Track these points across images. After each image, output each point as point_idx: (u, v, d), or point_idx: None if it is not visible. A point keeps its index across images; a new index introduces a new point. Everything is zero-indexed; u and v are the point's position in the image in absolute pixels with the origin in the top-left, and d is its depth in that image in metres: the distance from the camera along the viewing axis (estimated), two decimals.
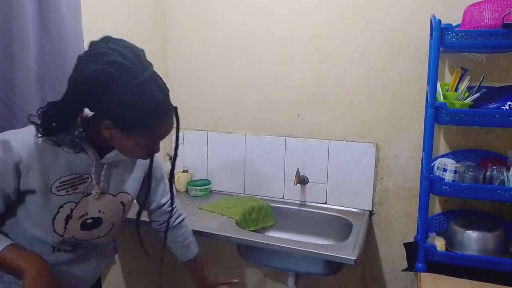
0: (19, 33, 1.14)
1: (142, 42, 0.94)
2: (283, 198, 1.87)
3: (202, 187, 1.90)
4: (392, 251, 1.73)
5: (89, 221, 1.01)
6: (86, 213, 0.99)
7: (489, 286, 1.27)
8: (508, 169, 1.32)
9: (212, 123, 1.94)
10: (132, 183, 1.10)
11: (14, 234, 0.96)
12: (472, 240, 1.36)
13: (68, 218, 0.97)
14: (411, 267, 1.43)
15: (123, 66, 0.84)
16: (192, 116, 1.93)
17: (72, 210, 0.97)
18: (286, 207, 1.83)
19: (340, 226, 1.68)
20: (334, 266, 1.47)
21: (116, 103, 0.86)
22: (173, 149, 1.07)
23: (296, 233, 1.78)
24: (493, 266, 1.30)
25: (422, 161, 1.51)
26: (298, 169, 1.76)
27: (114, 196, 1.05)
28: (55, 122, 0.90)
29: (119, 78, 0.84)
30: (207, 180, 1.96)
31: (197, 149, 1.97)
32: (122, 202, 1.07)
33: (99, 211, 1.02)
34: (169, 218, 1.22)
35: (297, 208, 1.82)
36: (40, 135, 0.91)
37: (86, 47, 0.92)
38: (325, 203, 1.80)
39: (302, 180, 1.79)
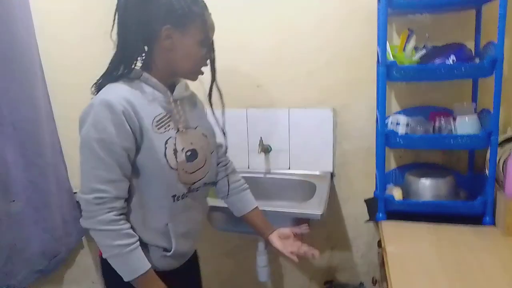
0: None
1: None
2: (248, 168, 1.92)
3: None
4: (355, 209, 1.83)
5: (188, 153, 1.06)
6: (184, 147, 1.05)
7: (443, 227, 1.38)
8: (454, 120, 1.43)
9: None
10: (200, 118, 1.17)
11: (140, 199, 1.02)
12: (426, 187, 1.47)
13: (175, 152, 1.02)
14: (372, 218, 1.52)
15: None
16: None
17: (174, 144, 1.02)
18: (251, 176, 1.87)
19: (304, 189, 1.75)
20: (300, 223, 1.54)
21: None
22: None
23: (263, 200, 1.82)
24: (445, 209, 1.42)
25: (377, 120, 1.60)
26: (261, 138, 1.81)
27: (195, 129, 1.11)
28: (123, 65, 1.00)
29: None
30: None
31: None
32: (203, 134, 1.14)
33: (191, 143, 1.07)
34: (228, 159, 1.33)
35: (262, 176, 1.87)
36: (126, 82, 1.00)
37: None
38: (289, 169, 1.87)
39: (265, 149, 1.85)
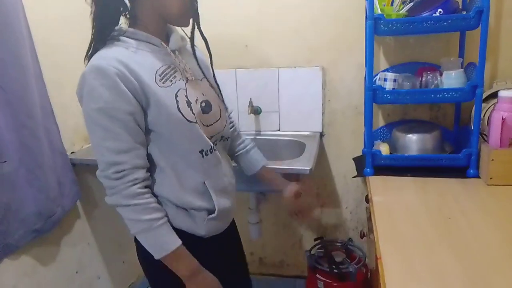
0: None
1: None
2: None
3: None
4: (343, 167, 1.87)
5: (203, 104, 1.02)
6: (197, 97, 1.01)
7: (429, 180, 1.41)
8: (441, 75, 1.44)
9: None
10: (206, 69, 1.11)
11: (168, 163, 0.99)
12: (413, 142, 1.50)
13: (189, 103, 0.97)
14: (360, 174, 1.56)
15: None
16: None
17: (186, 96, 0.97)
18: None
19: (294, 148, 1.78)
20: (291, 181, 1.57)
21: None
22: None
23: None
24: (431, 162, 1.46)
25: (365, 77, 1.61)
26: (250, 99, 1.82)
27: (201, 80, 1.07)
28: (108, 26, 0.94)
29: None
30: None
31: None
32: (210, 85, 1.10)
33: (203, 94, 1.04)
34: (234, 119, 1.32)
35: (252, 137, 1.88)
36: (115, 44, 0.94)
37: None
38: (279, 130, 1.89)
39: (255, 110, 1.86)
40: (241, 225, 1.91)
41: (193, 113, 0.98)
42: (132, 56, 0.93)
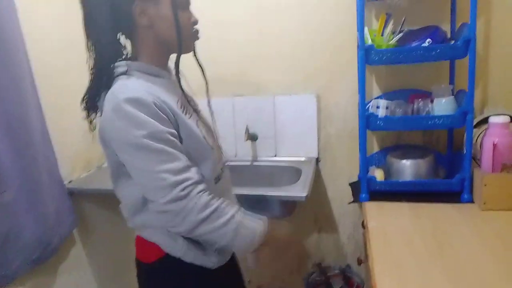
0: None
1: None
2: (236, 156, 1.95)
3: None
4: (340, 192, 1.88)
5: (209, 134, 1.06)
6: (206, 128, 1.05)
7: (424, 205, 1.42)
8: (432, 102, 1.47)
9: None
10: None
11: None
12: (407, 167, 1.52)
13: (207, 130, 1.03)
14: (356, 199, 1.57)
15: None
16: None
17: (201, 126, 1.00)
18: (239, 164, 1.91)
19: (290, 174, 1.79)
20: (288, 207, 1.59)
21: None
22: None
23: (251, 187, 1.86)
24: (425, 187, 1.47)
25: (359, 104, 1.64)
26: (247, 126, 1.85)
27: (200, 110, 1.11)
28: (109, 68, 0.92)
29: None
30: None
31: None
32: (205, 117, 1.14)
33: (207, 124, 1.09)
34: None
35: (249, 164, 1.91)
36: (130, 78, 0.92)
37: None
38: (275, 155, 1.91)
39: (252, 137, 1.88)
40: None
41: (211, 142, 1.01)
42: (153, 87, 0.93)
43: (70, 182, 1.72)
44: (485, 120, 1.53)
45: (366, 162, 1.51)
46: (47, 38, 1.62)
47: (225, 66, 1.86)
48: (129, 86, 0.89)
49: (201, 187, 0.89)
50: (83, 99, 0.96)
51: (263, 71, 1.84)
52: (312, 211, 1.94)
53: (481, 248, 1.12)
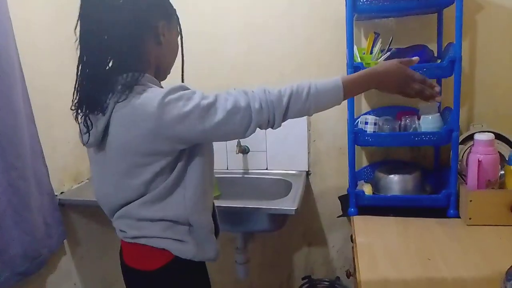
0: None
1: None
2: (227, 169, 1.97)
3: None
4: (329, 205, 1.90)
5: None
6: None
7: (410, 220, 1.45)
8: (419, 118, 1.51)
9: None
10: None
11: (202, 182, 1.00)
12: (394, 183, 1.55)
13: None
14: (345, 214, 1.59)
15: None
16: None
17: None
18: (230, 176, 1.93)
19: (281, 187, 1.81)
20: (278, 220, 1.60)
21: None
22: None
23: (242, 200, 1.88)
24: (412, 202, 1.50)
25: (348, 119, 1.68)
26: (239, 139, 1.87)
27: None
28: (130, 72, 0.92)
29: None
30: None
31: None
32: None
33: None
34: None
35: (240, 176, 1.93)
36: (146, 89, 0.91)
37: None
38: (266, 169, 1.93)
39: (243, 150, 1.90)
40: (228, 265, 1.93)
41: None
42: None
43: (62, 193, 1.72)
44: (470, 137, 1.57)
45: (355, 177, 1.54)
46: (39, 48, 1.63)
47: (216, 80, 1.89)
48: (154, 92, 0.89)
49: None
50: (81, 102, 0.95)
51: (253, 87, 1.85)
52: (302, 224, 1.96)
53: (466, 264, 1.15)
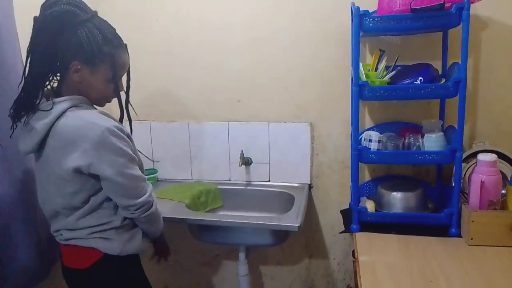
0: None
1: None
2: (230, 180, 1.98)
3: (149, 175, 1.95)
4: (331, 219, 1.91)
5: None
6: None
7: (412, 238, 1.46)
8: (422, 136, 1.52)
9: (154, 115, 1.99)
10: None
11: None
12: (397, 200, 1.56)
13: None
14: (347, 229, 1.60)
15: (75, 4, 1.07)
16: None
17: None
18: (233, 188, 1.94)
19: (283, 200, 1.82)
20: (280, 235, 1.61)
21: (77, 38, 1.06)
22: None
23: (244, 211, 1.90)
24: (415, 220, 1.50)
25: (351, 135, 1.69)
26: (242, 151, 1.87)
27: None
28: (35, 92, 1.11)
29: (74, 14, 1.06)
30: (153, 169, 2.01)
31: (141, 139, 1.99)
32: None
33: None
34: None
35: (243, 188, 1.94)
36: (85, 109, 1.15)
37: None
38: (269, 181, 1.94)
39: (246, 162, 1.91)
40: (230, 278, 1.94)
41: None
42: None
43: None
44: (474, 154, 1.58)
45: (358, 193, 1.54)
46: None
47: (220, 94, 1.89)
48: (101, 117, 1.12)
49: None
50: (13, 108, 1.14)
51: (257, 100, 1.87)
52: (304, 236, 1.96)
53: (466, 283, 1.16)
